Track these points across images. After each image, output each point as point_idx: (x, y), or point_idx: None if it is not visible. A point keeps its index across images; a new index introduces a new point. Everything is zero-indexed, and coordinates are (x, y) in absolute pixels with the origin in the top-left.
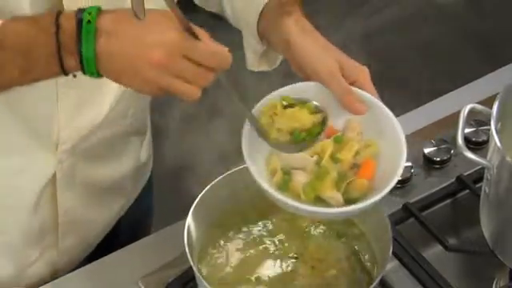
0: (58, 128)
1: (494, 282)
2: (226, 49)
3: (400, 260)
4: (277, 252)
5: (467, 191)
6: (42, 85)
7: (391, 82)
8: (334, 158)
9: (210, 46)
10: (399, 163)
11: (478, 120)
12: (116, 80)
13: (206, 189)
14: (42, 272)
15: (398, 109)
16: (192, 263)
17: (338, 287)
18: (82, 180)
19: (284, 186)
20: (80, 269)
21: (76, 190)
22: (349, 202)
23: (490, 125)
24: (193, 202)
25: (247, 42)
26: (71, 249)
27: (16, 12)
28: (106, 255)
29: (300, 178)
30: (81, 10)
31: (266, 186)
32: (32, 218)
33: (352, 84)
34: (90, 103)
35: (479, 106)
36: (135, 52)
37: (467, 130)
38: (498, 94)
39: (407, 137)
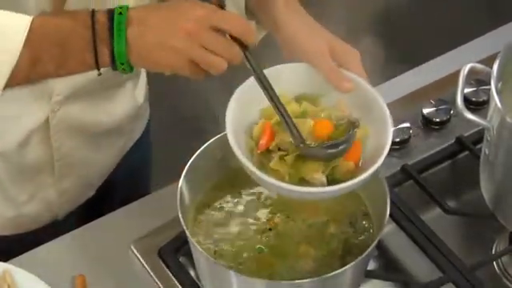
0: (52, 82)
1: (494, 246)
2: (250, 22)
3: (398, 223)
4: (269, 212)
5: (467, 153)
6: None
7: (390, 40)
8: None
9: (235, 15)
10: (385, 146)
11: (478, 79)
12: (147, 61)
13: (199, 151)
14: (40, 212)
15: (396, 68)
16: (185, 227)
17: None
18: (77, 124)
19: (263, 167)
20: (71, 232)
21: (71, 134)
22: (333, 183)
23: (490, 84)
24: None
25: None
26: (70, 189)
27: (20, 7)
28: (104, 210)
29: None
30: (113, 8)
31: (249, 164)
32: (20, 156)
33: (342, 67)
34: None
35: (479, 66)
36: (167, 27)
37: (467, 90)
38: (498, 52)
39: (406, 97)
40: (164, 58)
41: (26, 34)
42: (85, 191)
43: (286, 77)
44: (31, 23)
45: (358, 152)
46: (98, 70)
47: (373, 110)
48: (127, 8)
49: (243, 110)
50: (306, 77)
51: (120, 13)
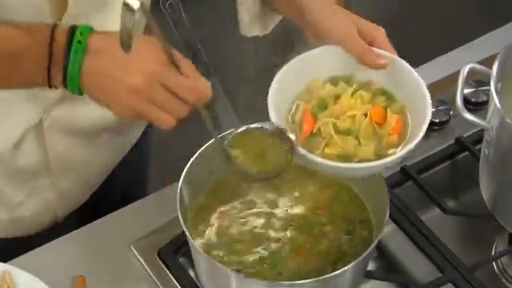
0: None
1: (494, 246)
2: (207, 83)
3: (397, 224)
4: (268, 213)
5: (466, 153)
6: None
7: (389, 40)
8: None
9: (189, 81)
10: (425, 117)
11: (477, 80)
12: (96, 99)
13: (199, 151)
14: (38, 214)
15: None
16: (184, 228)
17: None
18: (72, 125)
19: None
20: (71, 233)
21: (66, 134)
22: (379, 158)
23: (489, 85)
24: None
25: (242, 3)
26: (69, 189)
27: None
28: (103, 211)
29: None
30: (74, 28)
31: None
32: (15, 158)
33: (371, 45)
34: None
35: (479, 66)
36: (118, 75)
37: (467, 91)
38: (498, 53)
39: None
40: (111, 106)
41: None
42: (84, 191)
43: (318, 61)
44: None
45: (400, 125)
46: (50, 87)
47: (408, 84)
48: (88, 34)
49: (283, 93)
50: (336, 59)
51: (79, 41)
